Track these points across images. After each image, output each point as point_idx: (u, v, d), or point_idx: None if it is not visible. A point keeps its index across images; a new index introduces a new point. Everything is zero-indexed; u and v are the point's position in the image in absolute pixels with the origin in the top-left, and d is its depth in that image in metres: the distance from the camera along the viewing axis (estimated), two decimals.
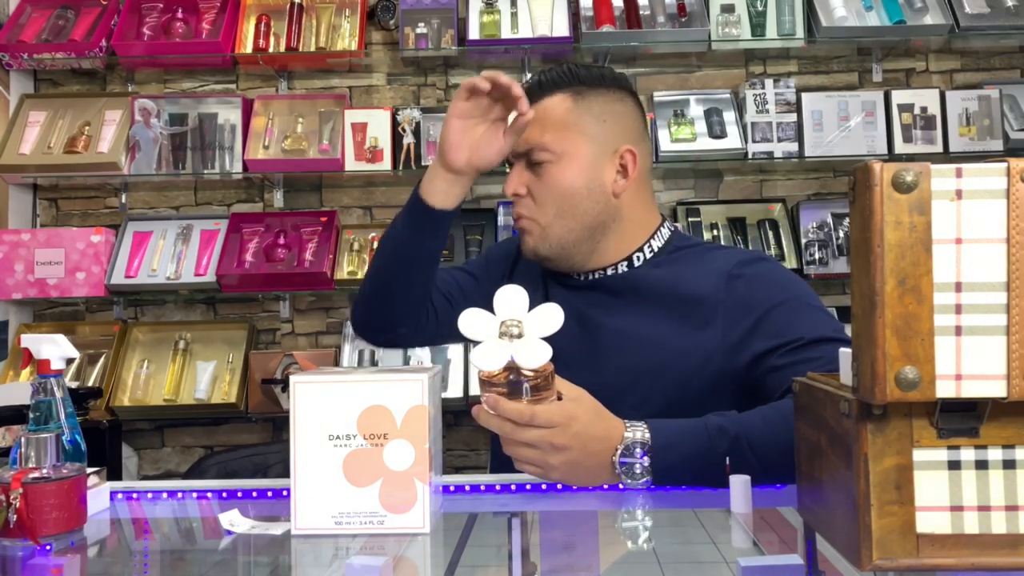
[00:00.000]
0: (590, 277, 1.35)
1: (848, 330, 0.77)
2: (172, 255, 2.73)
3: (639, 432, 1.04)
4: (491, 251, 1.55)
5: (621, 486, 1.04)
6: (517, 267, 1.46)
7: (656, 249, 1.34)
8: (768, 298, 1.23)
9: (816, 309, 1.25)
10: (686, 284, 1.27)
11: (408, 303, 1.38)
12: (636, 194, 1.33)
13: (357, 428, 0.88)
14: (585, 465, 1.01)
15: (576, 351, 1.27)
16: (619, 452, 1.02)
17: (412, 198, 1.31)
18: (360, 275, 2.68)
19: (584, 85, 1.32)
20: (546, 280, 1.40)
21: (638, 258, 1.33)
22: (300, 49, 2.71)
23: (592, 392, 1.04)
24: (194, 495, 1.11)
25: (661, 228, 1.36)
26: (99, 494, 1.03)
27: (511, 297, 0.93)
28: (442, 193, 1.29)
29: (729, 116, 2.72)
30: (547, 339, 0.92)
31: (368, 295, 1.40)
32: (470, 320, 0.93)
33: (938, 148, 2.63)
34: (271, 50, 2.72)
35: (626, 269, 1.33)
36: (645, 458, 1.03)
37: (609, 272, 1.34)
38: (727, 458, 1.04)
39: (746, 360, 1.21)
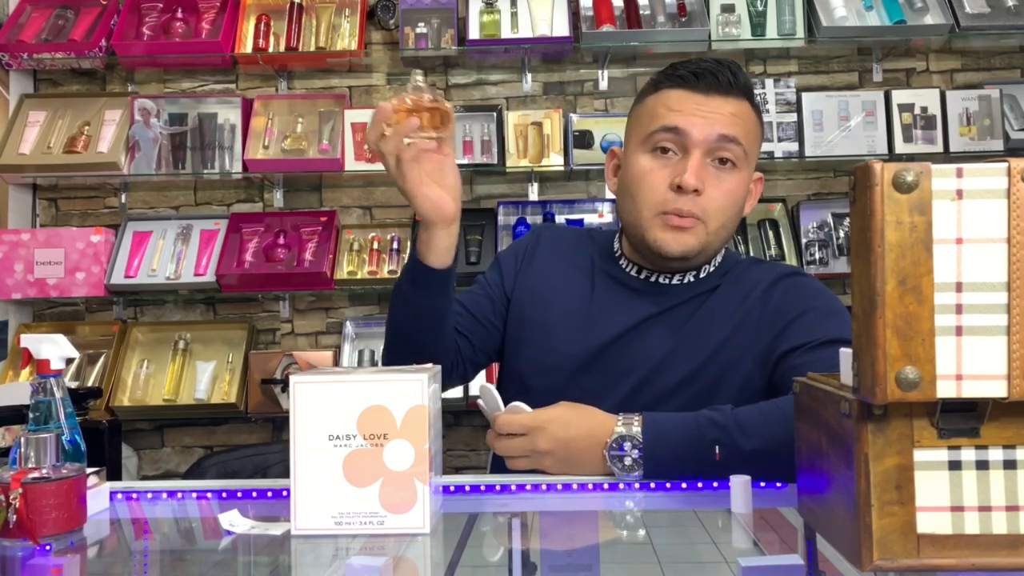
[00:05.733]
0: (659, 280, 1.34)
1: None
2: (172, 255, 2.72)
3: (631, 426, 1.09)
4: (502, 257, 1.47)
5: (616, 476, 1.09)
6: (536, 256, 1.43)
7: (717, 264, 1.36)
8: (799, 304, 1.27)
9: (845, 317, 1.26)
10: (733, 298, 1.31)
11: (429, 353, 1.25)
12: None
13: (357, 428, 0.88)
14: (575, 460, 1.10)
15: (619, 350, 1.30)
16: (609, 446, 1.08)
17: (411, 259, 1.23)
18: (360, 275, 2.69)
19: (753, 104, 1.29)
20: (595, 272, 1.38)
21: (704, 270, 1.35)
22: (300, 49, 2.70)
23: (625, 392, 1.23)
24: (194, 495, 1.11)
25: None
26: (99, 494, 1.02)
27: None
28: (436, 252, 1.20)
29: None
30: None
31: (389, 346, 1.32)
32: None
33: (938, 148, 2.63)
34: (271, 50, 2.72)
35: (692, 279, 1.34)
36: (635, 451, 1.08)
37: (675, 280, 1.34)
38: (716, 447, 1.07)
39: (772, 363, 1.24)
